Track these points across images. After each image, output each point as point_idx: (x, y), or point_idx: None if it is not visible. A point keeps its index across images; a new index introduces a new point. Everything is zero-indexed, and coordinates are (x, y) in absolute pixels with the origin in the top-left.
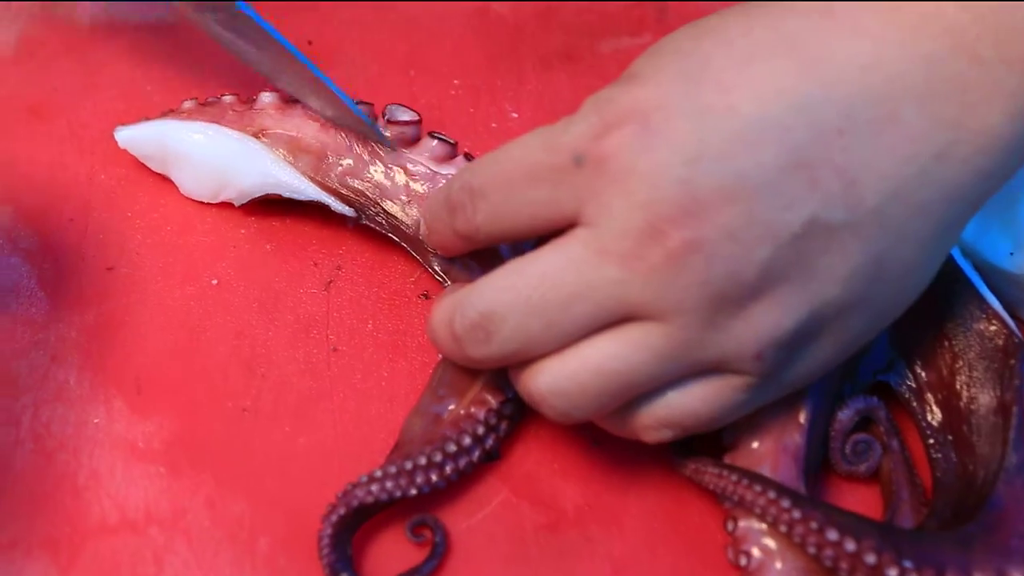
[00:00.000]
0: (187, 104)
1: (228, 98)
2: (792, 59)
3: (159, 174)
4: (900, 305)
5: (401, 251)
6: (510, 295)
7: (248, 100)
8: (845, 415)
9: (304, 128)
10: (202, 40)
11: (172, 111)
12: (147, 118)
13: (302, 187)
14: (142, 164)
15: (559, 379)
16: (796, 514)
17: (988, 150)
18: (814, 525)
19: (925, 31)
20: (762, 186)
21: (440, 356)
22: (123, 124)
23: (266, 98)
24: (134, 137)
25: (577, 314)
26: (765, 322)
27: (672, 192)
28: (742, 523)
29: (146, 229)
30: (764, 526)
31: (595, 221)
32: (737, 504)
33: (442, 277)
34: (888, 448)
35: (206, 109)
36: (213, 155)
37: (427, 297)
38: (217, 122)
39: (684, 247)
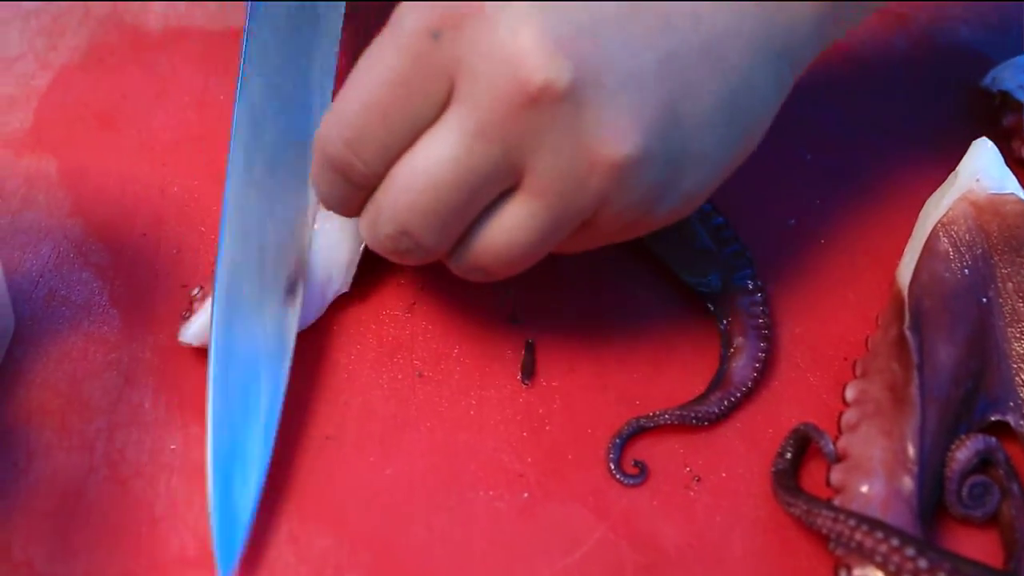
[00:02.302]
0: None
1: None
2: None
3: None
4: (743, 152)
5: None
6: (415, 210)
7: None
8: (962, 456)
9: None
10: None
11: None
12: (191, 310)
13: None
14: (214, 176)
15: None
16: (922, 564)
17: (811, 9)
18: None
19: None
20: (619, 22)
21: None
22: (183, 327)
23: None
24: (206, 322)
25: (474, 199)
26: (622, 155)
27: (532, 38)
28: (857, 572)
29: None
30: (882, 575)
31: (464, 94)
32: (852, 550)
33: None
34: (1008, 492)
35: None
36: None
37: (516, 321)
38: None
39: (548, 90)
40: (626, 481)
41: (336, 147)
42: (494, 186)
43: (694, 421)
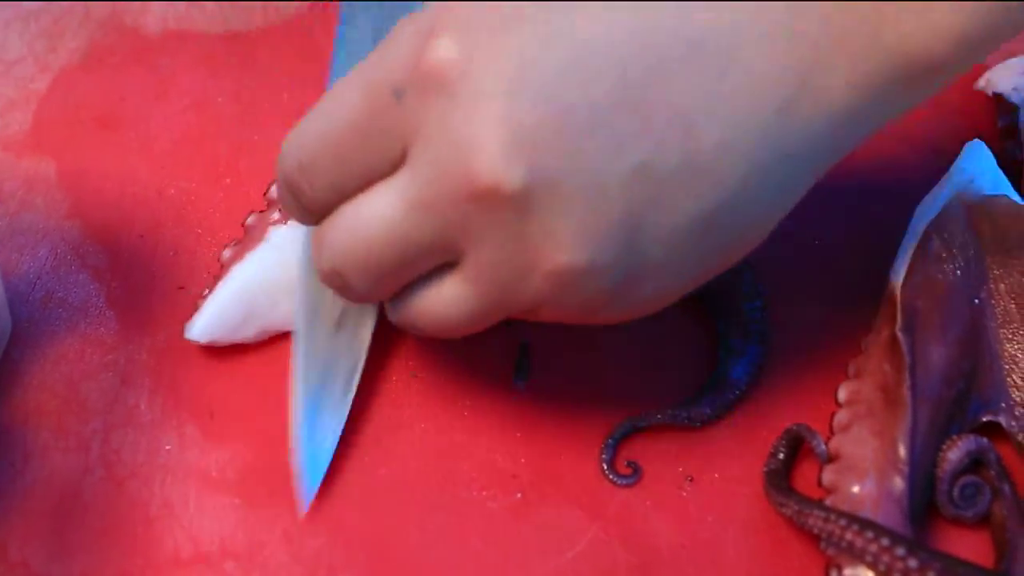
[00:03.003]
0: (226, 253)
1: (251, 219)
2: None
3: (228, 188)
4: (718, 266)
5: None
6: (349, 258)
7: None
8: (953, 456)
9: None
10: (274, 49)
11: (216, 278)
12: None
13: None
14: (212, 179)
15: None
16: (912, 563)
17: (827, 113)
18: None
19: None
20: (591, 126)
21: None
22: (190, 323)
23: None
24: (211, 319)
25: (407, 266)
26: (566, 264)
27: (490, 130)
28: (847, 571)
29: (217, 247)
30: (872, 575)
31: (414, 164)
32: (844, 550)
33: None
34: (999, 492)
35: (245, 239)
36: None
37: (509, 323)
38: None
39: (493, 192)
40: (619, 481)
41: (290, 167)
42: (429, 258)
43: (687, 421)
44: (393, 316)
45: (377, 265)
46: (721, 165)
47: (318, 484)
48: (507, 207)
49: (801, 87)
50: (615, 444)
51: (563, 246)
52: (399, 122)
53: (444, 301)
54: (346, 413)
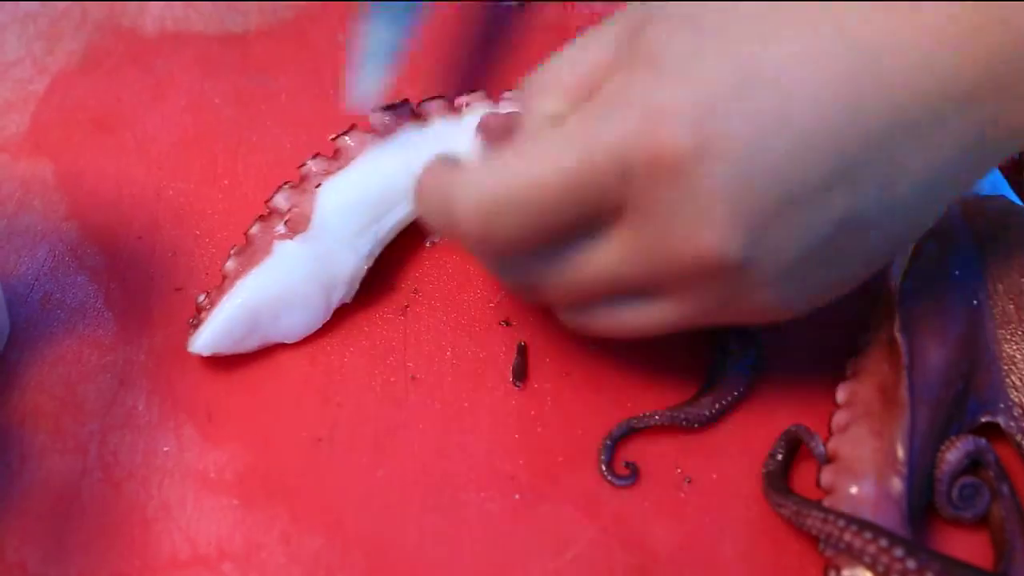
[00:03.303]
0: (229, 265)
1: (254, 229)
2: (844, 45)
3: (226, 189)
4: (874, 267)
5: (480, 274)
6: (564, 295)
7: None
8: (952, 457)
9: None
10: (270, 50)
11: (218, 289)
12: (198, 319)
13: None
14: (210, 180)
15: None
16: (910, 564)
17: (1015, 144)
18: None
19: (985, 32)
20: (807, 200)
21: None
22: (192, 337)
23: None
24: (216, 332)
25: (610, 294)
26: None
27: (721, 213)
28: (846, 572)
29: (215, 248)
30: None
31: (638, 225)
32: (842, 551)
33: None
34: (998, 493)
35: (249, 250)
36: (308, 278)
37: (508, 324)
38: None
39: (720, 264)
40: (617, 482)
41: (470, 221)
42: (632, 292)
43: (684, 423)
44: (573, 323)
45: (589, 294)
46: (912, 204)
47: (370, 89)
48: (726, 276)
49: (993, 126)
50: (613, 445)
51: (767, 310)
52: (620, 193)
53: (643, 318)
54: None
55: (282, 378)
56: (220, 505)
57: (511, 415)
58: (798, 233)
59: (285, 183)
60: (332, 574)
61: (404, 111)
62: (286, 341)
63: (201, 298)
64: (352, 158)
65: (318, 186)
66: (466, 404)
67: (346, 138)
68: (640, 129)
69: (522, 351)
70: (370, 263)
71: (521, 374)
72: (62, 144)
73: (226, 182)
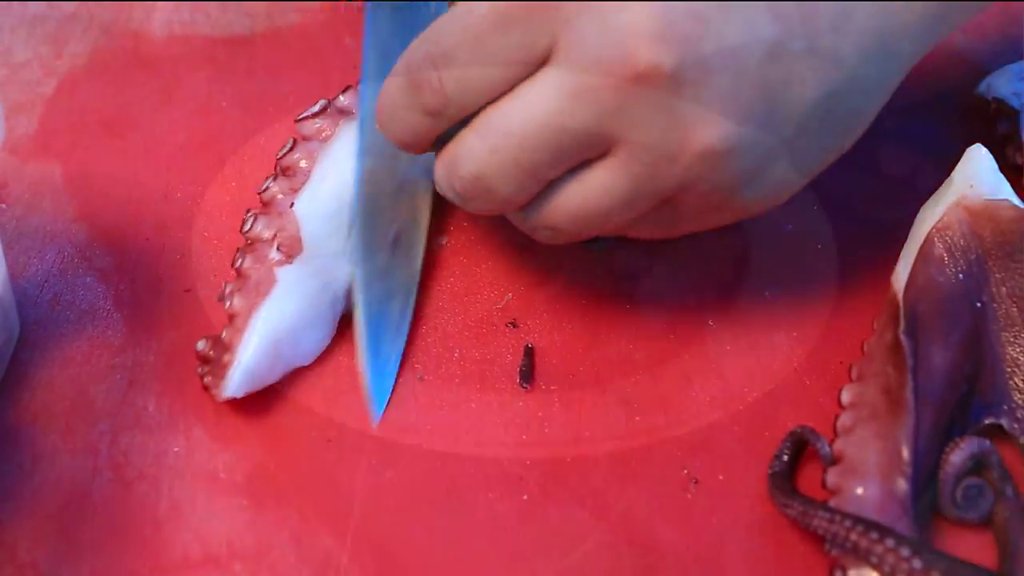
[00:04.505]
0: (236, 302)
1: (246, 263)
2: None
3: (234, 191)
4: (835, 149)
5: (488, 276)
6: (497, 157)
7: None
8: (956, 459)
9: None
10: (278, 53)
11: (231, 328)
12: (221, 362)
13: None
14: (218, 182)
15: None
16: (916, 564)
17: (921, 10)
18: None
19: None
20: (729, 12)
21: None
22: (222, 384)
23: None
24: (246, 373)
25: (560, 159)
26: (714, 141)
27: (645, 18)
28: (852, 572)
29: (223, 250)
30: None
31: (567, 56)
32: (848, 552)
33: None
34: (1001, 494)
35: (250, 283)
36: (315, 297)
37: (514, 326)
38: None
39: (653, 72)
40: None
41: (418, 59)
42: (581, 152)
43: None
44: (528, 219)
45: (529, 163)
46: (841, 47)
47: (386, 400)
48: (664, 87)
49: None
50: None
51: (711, 123)
52: (548, 16)
53: (593, 191)
54: (407, 330)
55: (290, 378)
56: (230, 505)
57: (518, 416)
58: (726, 47)
59: (248, 211)
60: (342, 574)
61: (331, 111)
62: (304, 363)
63: (201, 344)
64: (310, 171)
65: (292, 205)
66: (473, 405)
67: (293, 154)
68: None
69: (529, 353)
70: None
71: (528, 375)
72: (70, 146)
73: (234, 184)
